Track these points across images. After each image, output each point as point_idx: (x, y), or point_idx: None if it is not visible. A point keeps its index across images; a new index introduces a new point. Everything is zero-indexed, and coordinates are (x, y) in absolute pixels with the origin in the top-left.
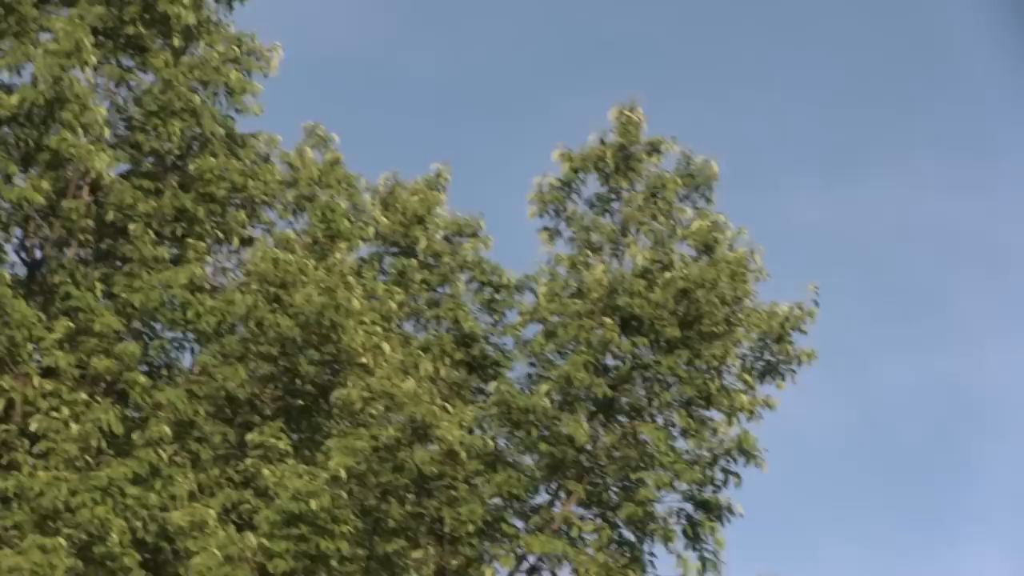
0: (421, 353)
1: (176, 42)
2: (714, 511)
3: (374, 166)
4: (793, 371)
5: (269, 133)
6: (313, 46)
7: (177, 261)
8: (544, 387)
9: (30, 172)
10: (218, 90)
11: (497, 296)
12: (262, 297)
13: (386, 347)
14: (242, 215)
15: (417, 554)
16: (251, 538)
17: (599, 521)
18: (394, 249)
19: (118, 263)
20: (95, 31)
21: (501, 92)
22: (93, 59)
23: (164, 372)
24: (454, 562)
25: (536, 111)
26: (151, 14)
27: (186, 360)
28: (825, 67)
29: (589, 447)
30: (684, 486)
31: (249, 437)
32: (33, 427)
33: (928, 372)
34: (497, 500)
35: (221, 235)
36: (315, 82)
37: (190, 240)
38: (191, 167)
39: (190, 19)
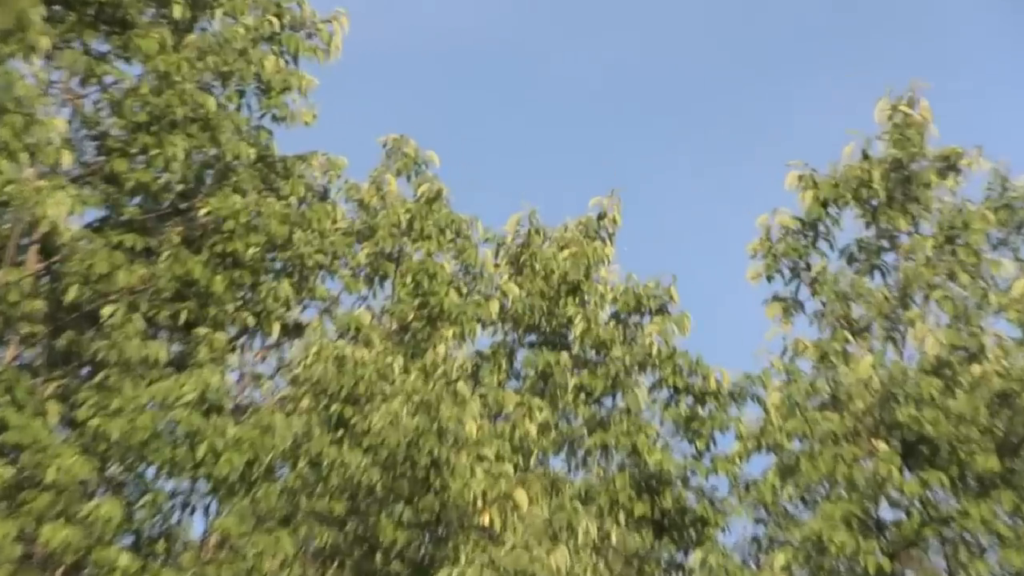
0: (579, 506)
1: (177, 11)
2: None
3: (498, 203)
4: None
5: (329, 154)
6: (400, 24)
7: (181, 364)
8: (780, 557)
9: None
10: (245, 87)
11: (701, 410)
12: (319, 419)
13: (521, 497)
14: (285, 287)
15: None
16: None
17: None
18: (532, 336)
19: (85, 370)
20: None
21: (683, 93)
22: (45, 42)
23: (160, 547)
24: None
25: (739, 116)
26: None
27: (196, 526)
28: None
29: None
30: None
31: None
32: None
33: None
34: None
35: (252, 320)
36: (402, 76)
37: (201, 330)
38: (202, 211)
39: None
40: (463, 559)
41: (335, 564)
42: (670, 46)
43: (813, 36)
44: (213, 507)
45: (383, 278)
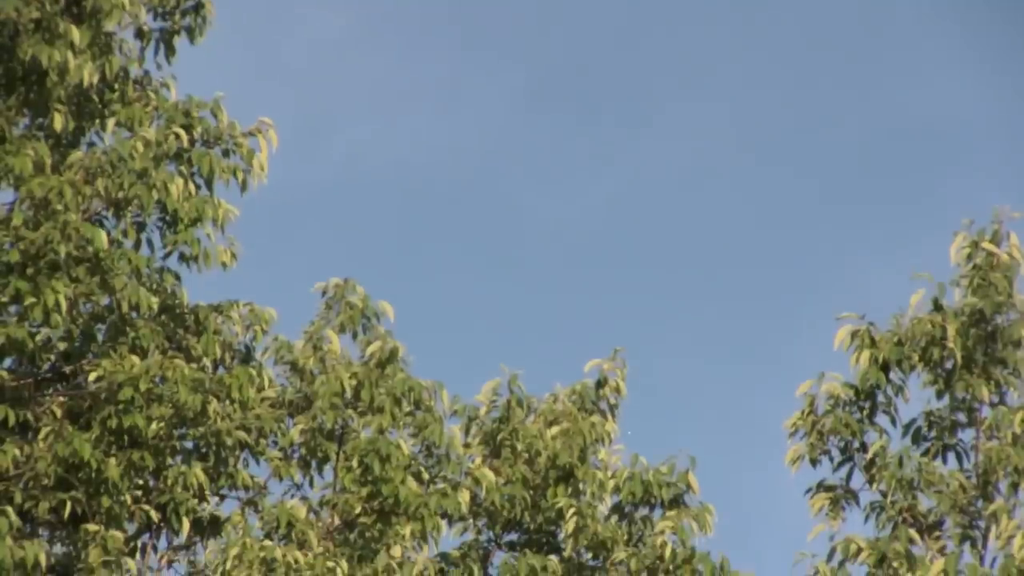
0: None
1: (58, 122)
2: None
3: (469, 367)
4: None
5: (253, 304)
6: (345, 153)
7: (66, 570)
8: None
9: None
10: (145, 218)
11: None
12: None
13: None
14: (198, 472)
15: None
16: None
17: None
18: (512, 535)
19: None
20: None
21: (704, 237)
22: None
23: None
24: None
25: (774, 262)
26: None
27: None
28: None
29: None
30: None
31: None
32: None
33: None
34: None
35: (155, 514)
36: (346, 212)
37: (91, 526)
38: (91, 376)
39: (85, 73)
40: None
41: None
42: (681, 182)
43: (872, 161)
44: None
45: (322, 461)
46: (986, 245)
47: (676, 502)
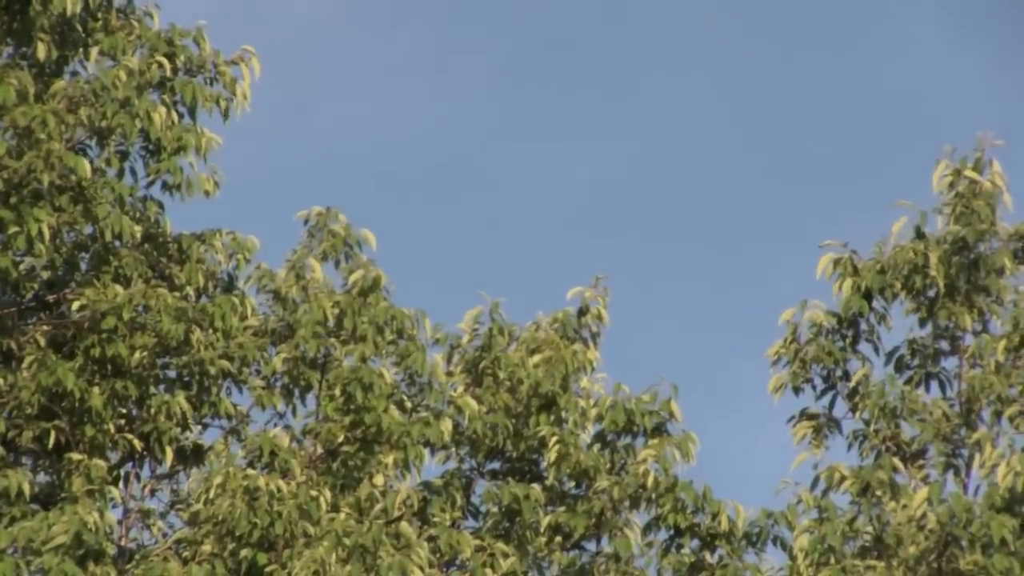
0: None
1: (41, 51)
2: None
3: (451, 296)
4: None
5: (236, 233)
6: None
7: (50, 498)
8: None
9: None
10: (128, 147)
11: (709, 556)
12: (224, 568)
13: None
14: (181, 401)
15: None
16: None
17: None
18: (495, 463)
19: None
20: None
21: (686, 184)
22: None
23: None
24: None
25: (753, 202)
26: None
27: None
28: None
29: None
30: None
31: None
32: None
33: None
34: None
35: (138, 443)
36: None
37: (75, 455)
38: (74, 305)
39: (68, 1)
40: None
41: None
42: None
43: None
44: None
45: (305, 390)
46: (968, 173)
47: (659, 430)
